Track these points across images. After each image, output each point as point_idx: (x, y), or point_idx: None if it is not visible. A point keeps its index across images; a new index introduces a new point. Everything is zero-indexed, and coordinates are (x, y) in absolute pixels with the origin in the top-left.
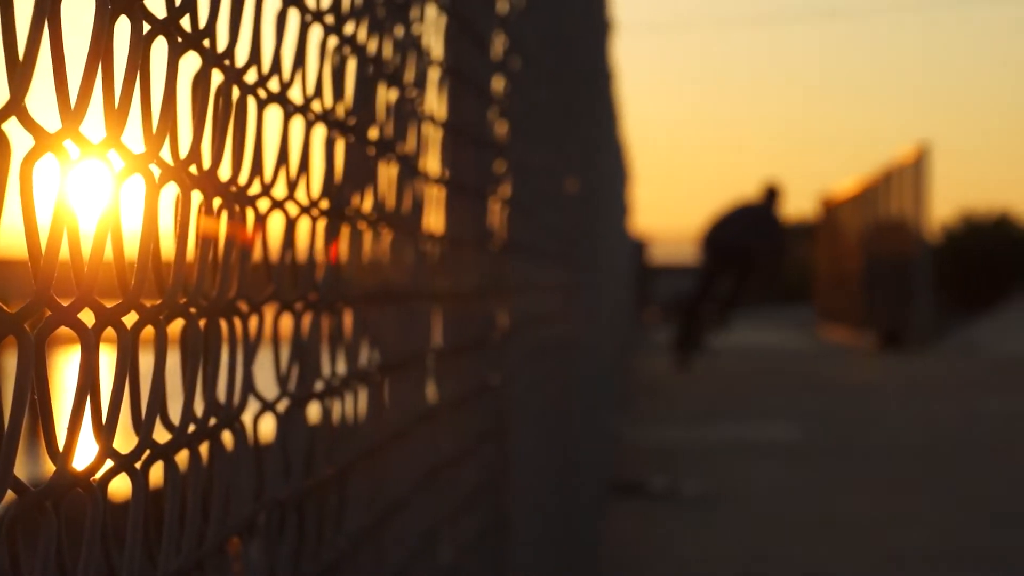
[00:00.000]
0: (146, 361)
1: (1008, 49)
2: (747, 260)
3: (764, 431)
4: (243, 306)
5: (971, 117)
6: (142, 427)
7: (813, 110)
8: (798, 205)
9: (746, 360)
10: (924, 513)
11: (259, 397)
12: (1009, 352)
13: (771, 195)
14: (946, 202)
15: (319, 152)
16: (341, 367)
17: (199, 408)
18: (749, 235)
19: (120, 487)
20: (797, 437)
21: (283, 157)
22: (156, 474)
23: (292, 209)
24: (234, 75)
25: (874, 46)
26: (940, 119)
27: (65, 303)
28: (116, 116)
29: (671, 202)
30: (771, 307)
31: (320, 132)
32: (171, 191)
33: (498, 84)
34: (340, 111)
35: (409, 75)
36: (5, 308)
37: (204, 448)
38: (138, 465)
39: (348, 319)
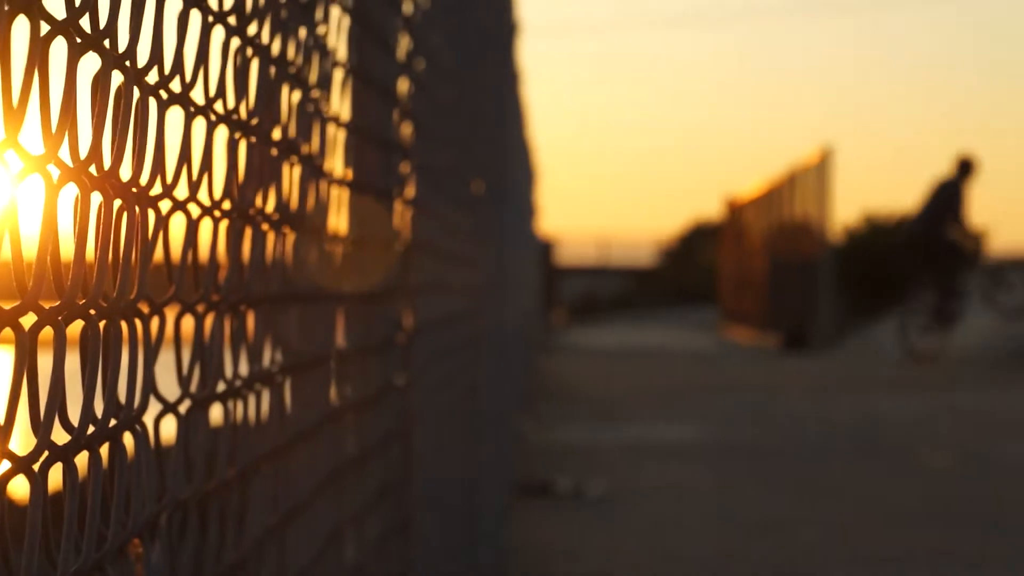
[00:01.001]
0: (45, 362)
1: (910, 53)
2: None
3: (669, 432)
4: (144, 307)
5: (874, 120)
6: (40, 428)
7: (718, 112)
8: (703, 207)
9: (651, 361)
10: (822, 513)
11: (160, 398)
12: (909, 351)
13: (964, 168)
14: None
15: (221, 153)
16: (244, 368)
17: (99, 409)
18: (941, 217)
19: (19, 488)
20: (701, 438)
21: (185, 158)
22: (56, 476)
23: (194, 210)
24: (135, 76)
25: (779, 49)
26: (843, 122)
27: None
28: (14, 117)
29: (577, 204)
30: (676, 308)
31: (222, 133)
32: (71, 192)
33: (403, 85)
34: (243, 112)
35: (313, 76)
36: None
37: (104, 450)
38: (36, 467)
39: (251, 320)
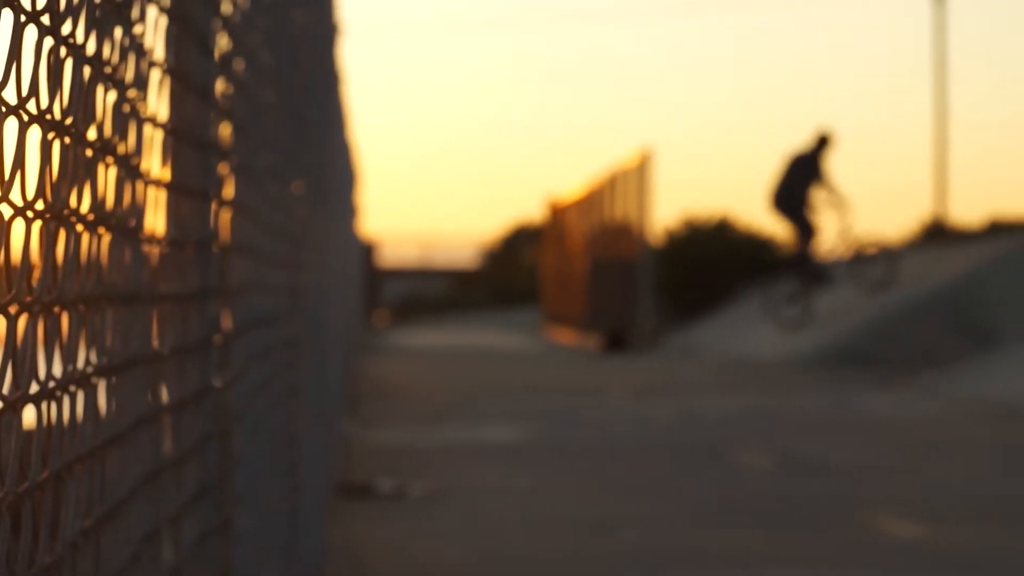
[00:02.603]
0: None
1: (729, 56)
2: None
3: (491, 433)
4: None
5: (692, 122)
6: None
7: (540, 114)
8: (525, 209)
9: (474, 362)
10: (643, 512)
11: None
12: (728, 354)
13: (821, 142)
14: (669, 206)
15: (34, 153)
16: (58, 370)
17: None
18: (803, 183)
19: None
20: (523, 438)
21: None
22: None
23: (6, 211)
24: None
25: (599, 51)
26: (662, 124)
27: None
28: None
29: (400, 205)
30: (499, 309)
31: (35, 133)
32: None
33: (222, 86)
34: (57, 111)
35: (129, 76)
36: None
37: None
38: None
39: (65, 321)
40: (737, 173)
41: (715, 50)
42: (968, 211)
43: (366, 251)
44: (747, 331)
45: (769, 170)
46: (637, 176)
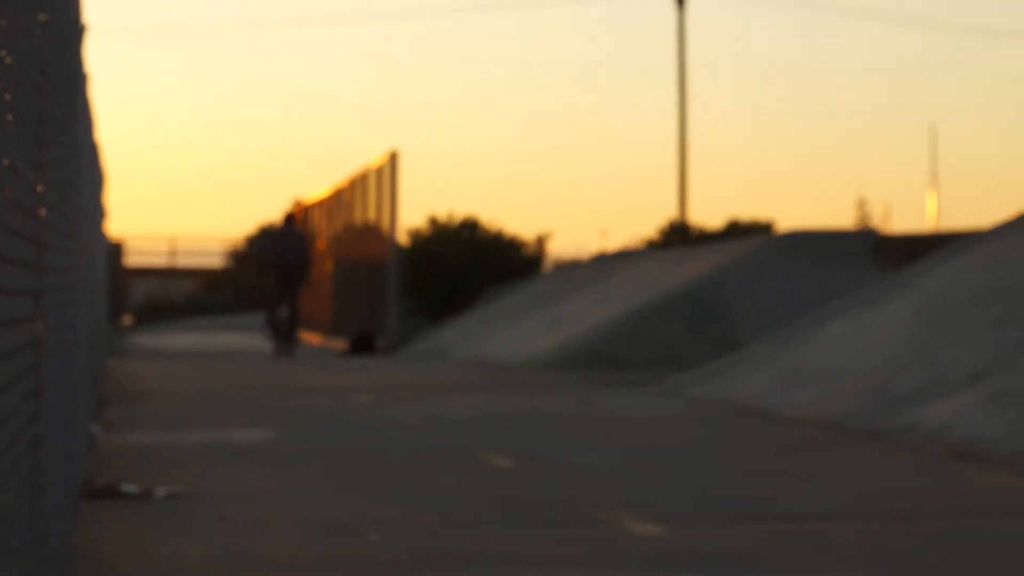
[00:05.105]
0: None
1: (478, 56)
2: (295, 274)
3: (239, 434)
4: None
5: (438, 125)
6: None
7: (290, 115)
8: (274, 210)
9: (221, 364)
10: (391, 514)
11: None
12: (474, 356)
13: (289, 219)
14: (416, 208)
15: None
16: None
17: None
18: (293, 253)
19: None
20: (270, 440)
21: None
22: None
23: None
24: None
25: (344, 54)
26: (408, 126)
27: None
28: None
29: (146, 207)
30: (248, 311)
31: None
32: None
33: None
34: None
35: None
36: None
37: None
38: None
39: None
40: (485, 174)
41: (468, 53)
42: (708, 213)
43: (113, 252)
44: (493, 333)
45: (517, 171)
46: (383, 176)
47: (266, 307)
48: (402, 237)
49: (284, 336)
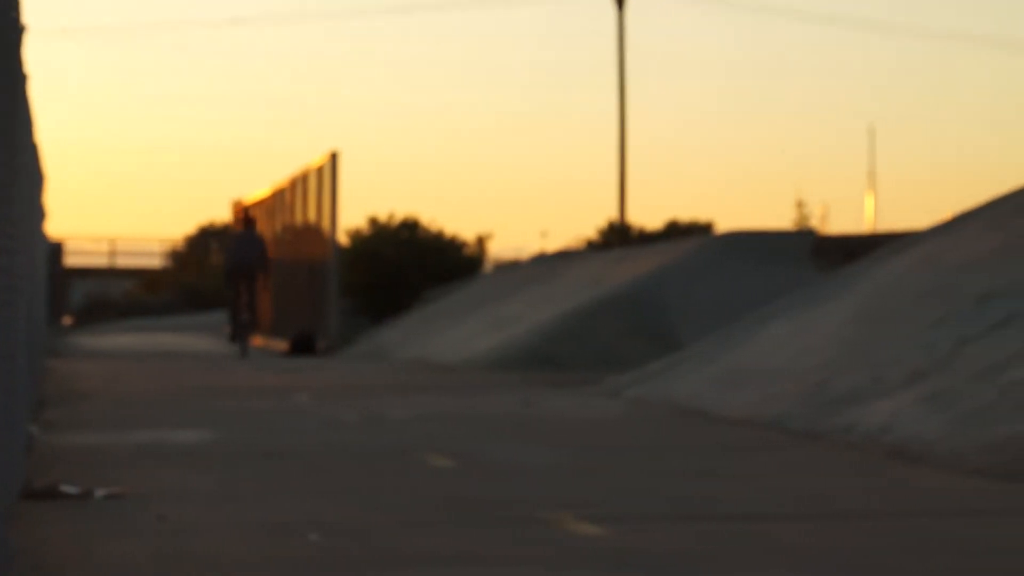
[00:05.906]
0: None
1: (417, 57)
2: (253, 275)
3: (179, 435)
4: None
5: (378, 125)
6: None
7: (232, 115)
8: (216, 213)
9: (162, 365)
10: (332, 515)
11: None
12: (415, 356)
13: (249, 221)
14: (356, 208)
15: None
16: None
17: None
18: (250, 255)
19: None
20: (211, 440)
21: None
22: None
23: None
24: None
25: (288, 54)
26: (348, 126)
27: None
28: None
29: (85, 207)
30: (188, 311)
31: None
32: None
33: None
34: None
35: None
36: None
37: None
38: None
39: None
40: (425, 176)
41: (413, 53)
42: (648, 214)
43: (53, 252)
44: (434, 333)
45: (457, 172)
46: (323, 177)
47: (231, 309)
48: (342, 237)
49: (241, 337)
